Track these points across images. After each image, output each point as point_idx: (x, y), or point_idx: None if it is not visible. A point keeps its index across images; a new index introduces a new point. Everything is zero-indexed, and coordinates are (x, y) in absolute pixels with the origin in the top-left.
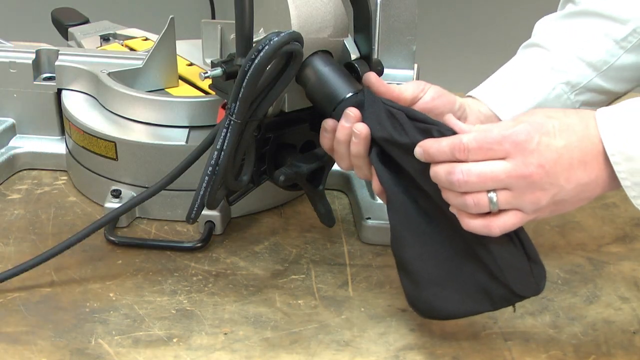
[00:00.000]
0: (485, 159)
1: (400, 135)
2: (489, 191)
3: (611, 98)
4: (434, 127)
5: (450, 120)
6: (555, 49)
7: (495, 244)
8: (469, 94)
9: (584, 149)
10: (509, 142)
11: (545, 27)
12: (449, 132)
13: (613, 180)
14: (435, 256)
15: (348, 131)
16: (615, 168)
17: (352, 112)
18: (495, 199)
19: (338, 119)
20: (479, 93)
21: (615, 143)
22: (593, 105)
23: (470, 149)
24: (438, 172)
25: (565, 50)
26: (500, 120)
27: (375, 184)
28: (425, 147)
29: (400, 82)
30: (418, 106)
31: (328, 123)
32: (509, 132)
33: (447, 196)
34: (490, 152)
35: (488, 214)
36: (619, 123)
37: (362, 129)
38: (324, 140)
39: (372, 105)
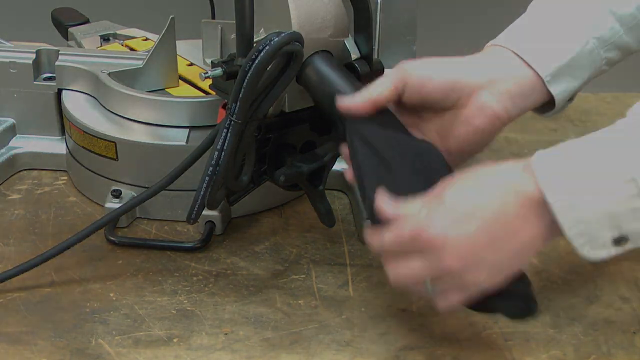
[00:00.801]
0: (406, 256)
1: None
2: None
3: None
4: (367, 198)
5: (379, 199)
6: (585, 1)
7: None
8: (493, 42)
9: (504, 223)
10: (419, 240)
11: None
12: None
13: (551, 233)
14: None
15: None
16: (559, 219)
17: (344, 152)
18: (430, 287)
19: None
20: (507, 42)
21: (558, 194)
22: (616, 64)
23: (390, 251)
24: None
25: (596, 1)
26: (534, 70)
27: None
28: (366, 236)
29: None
30: (406, 100)
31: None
32: (417, 228)
33: None
34: (406, 251)
35: None
36: (556, 173)
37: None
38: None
39: (349, 140)
